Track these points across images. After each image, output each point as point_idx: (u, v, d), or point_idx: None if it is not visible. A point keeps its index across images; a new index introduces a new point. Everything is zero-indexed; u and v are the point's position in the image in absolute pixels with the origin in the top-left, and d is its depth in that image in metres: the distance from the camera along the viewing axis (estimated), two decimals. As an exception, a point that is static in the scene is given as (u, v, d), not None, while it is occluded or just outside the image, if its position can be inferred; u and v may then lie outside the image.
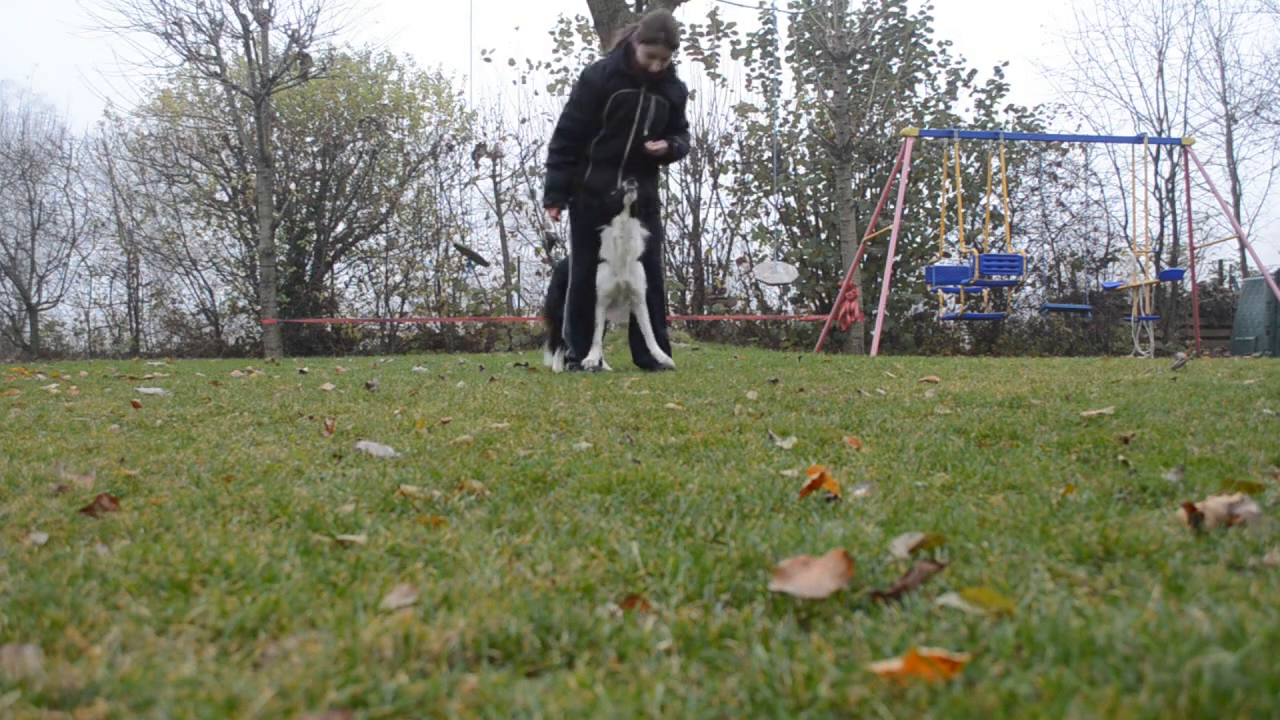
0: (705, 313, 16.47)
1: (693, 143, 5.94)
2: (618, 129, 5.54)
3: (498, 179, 16.85)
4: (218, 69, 14.64)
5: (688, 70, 15.89)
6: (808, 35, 15.53)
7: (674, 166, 15.15)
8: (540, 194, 16.13)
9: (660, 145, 5.58)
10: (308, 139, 17.03)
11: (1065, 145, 16.78)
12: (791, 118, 16.50)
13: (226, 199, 17.18)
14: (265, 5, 14.65)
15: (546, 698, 0.93)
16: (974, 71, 16.19)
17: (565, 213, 5.87)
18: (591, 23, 12.49)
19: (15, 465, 2.25)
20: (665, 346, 5.84)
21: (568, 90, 16.06)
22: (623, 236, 5.57)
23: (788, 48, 15.97)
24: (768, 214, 16.67)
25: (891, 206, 12.67)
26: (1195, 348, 12.73)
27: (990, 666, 0.96)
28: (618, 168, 5.62)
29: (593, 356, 5.71)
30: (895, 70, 15.80)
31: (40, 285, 17.82)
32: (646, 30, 5.37)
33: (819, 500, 1.78)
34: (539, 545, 1.49)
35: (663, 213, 6.08)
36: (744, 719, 0.90)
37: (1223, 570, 1.28)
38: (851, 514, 1.67)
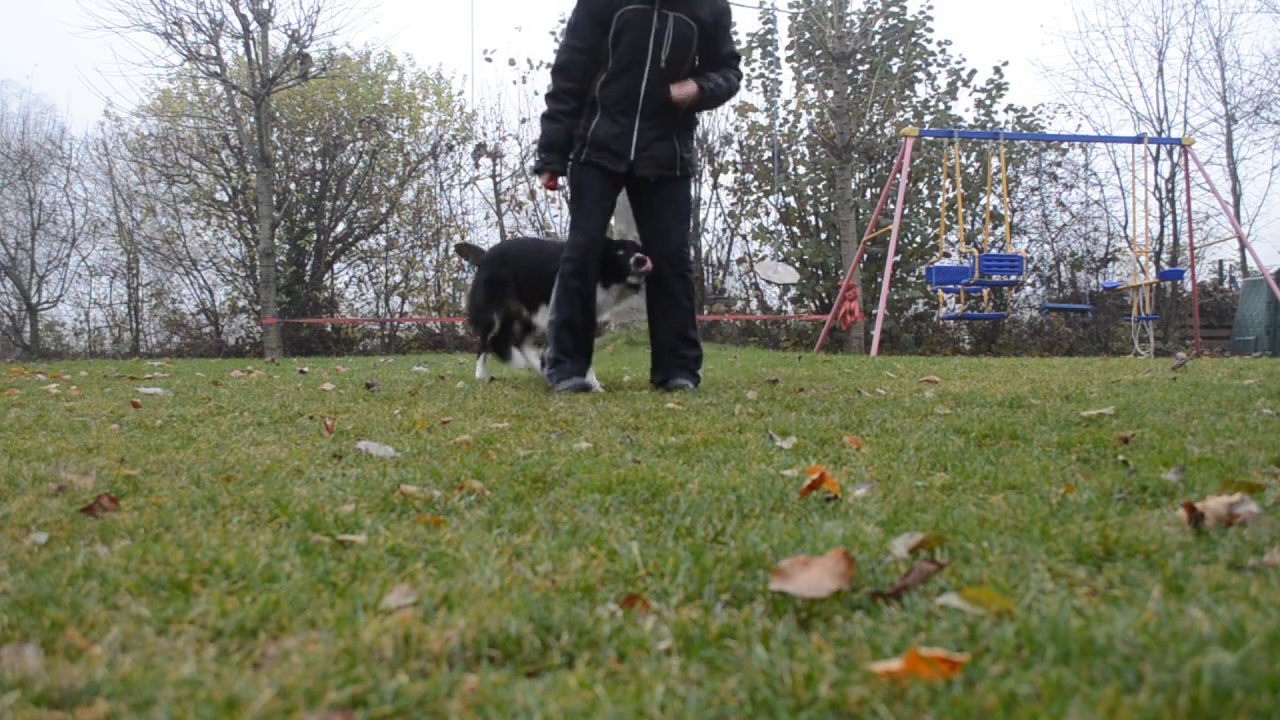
0: (705, 313, 16.48)
1: (743, 79, 4.60)
2: (628, 62, 4.23)
3: (498, 179, 16.85)
4: (218, 69, 14.63)
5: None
6: (808, 35, 15.54)
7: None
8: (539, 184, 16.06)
9: (687, 90, 4.23)
10: (308, 139, 17.04)
11: (1065, 145, 16.79)
12: (791, 118, 16.51)
13: (226, 199, 17.19)
14: (265, 5, 14.65)
15: (546, 698, 0.93)
16: (974, 71, 16.21)
17: (564, 180, 4.47)
18: (592, 23, 12.45)
19: (15, 465, 2.25)
20: (693, 357, 4.50)
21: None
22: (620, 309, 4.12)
23: (788, 48, 15.98)
24: (768, 214, 16.69)
25: (891, 206, 12.67)
26: (1195, 348, 12.73)
27: (990, 666, 0.96)
28: (633, 115, 4.28)
29: (592, 376, 4.43)
30: (895, 70, 15.80)
31: (40, 285, 17.84)
32: None
33: (819, 500, 1.78)
34: (539, 545, 1.49)
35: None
36: (744, 719, 0.90)
37: (1223, 570, 1.28)
38: (851, 514, 1.67)
